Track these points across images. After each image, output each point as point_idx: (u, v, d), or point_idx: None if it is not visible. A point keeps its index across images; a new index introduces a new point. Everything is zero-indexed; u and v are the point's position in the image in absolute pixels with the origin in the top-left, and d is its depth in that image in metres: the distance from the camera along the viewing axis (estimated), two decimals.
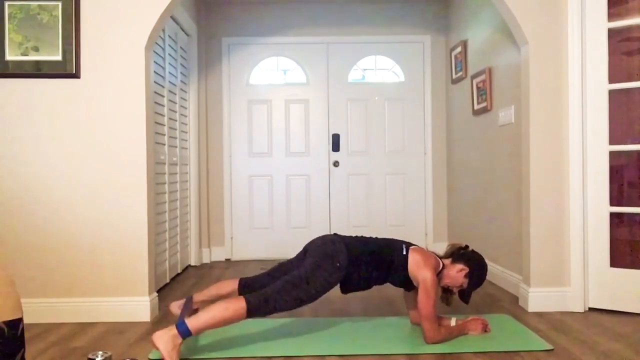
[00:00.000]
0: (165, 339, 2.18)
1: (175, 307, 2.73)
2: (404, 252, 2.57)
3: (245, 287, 2.65)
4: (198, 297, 2.70)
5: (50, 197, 2.99)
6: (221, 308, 2.26)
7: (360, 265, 2.53)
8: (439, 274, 2.58)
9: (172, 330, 2.20)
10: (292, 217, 5.15)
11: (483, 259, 2.65)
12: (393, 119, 5.18)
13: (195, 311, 2.63)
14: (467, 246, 2.68)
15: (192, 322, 2.22)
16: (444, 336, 2.49)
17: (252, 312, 2.30)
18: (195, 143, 4.78)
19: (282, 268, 2.66)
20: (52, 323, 2.94)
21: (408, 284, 2.62)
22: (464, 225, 4.67)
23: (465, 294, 2.64)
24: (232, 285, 2.67)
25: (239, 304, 2.27)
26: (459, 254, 2.64)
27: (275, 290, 2.36)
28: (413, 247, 2.62)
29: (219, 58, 5.09)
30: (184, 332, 2.20)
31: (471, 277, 2.59)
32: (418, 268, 2.51)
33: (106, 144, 3.00)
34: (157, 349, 2.18)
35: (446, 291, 2.70)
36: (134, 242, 3.00)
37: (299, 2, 5.12)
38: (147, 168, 3.03)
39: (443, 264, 2.61)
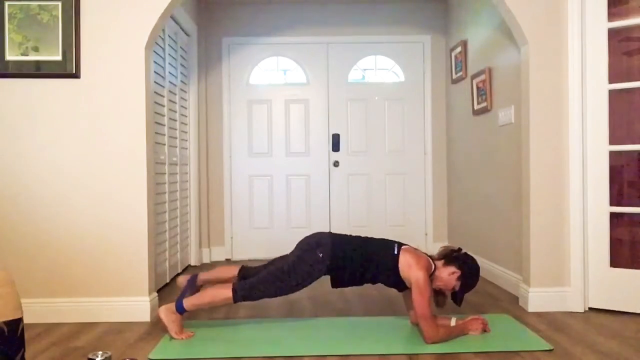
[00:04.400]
0: (165, 312, 2.62)
1: (182, 280, 2.95)
2: (395, 252, 2.59)
3: (245, 275, 2.85)
4: (203, 276, 2.93)
5: (50, 197, 2.99)
6: (211, 295, 2.61)
7: (347, 261, 2.60)
8: (431, 275, 2.58)
9: (172, 307, 2.63)
10: (292, 217, 5.15)
11: (476, 263, 2.64)
12: (393, 119, 5.18)
13: (198, 289, 2.89)
14: (460, 249, 2.69)
15: (187, 301, 2.61)
16: (443, 336, 2.49)
17: (238, 299, 2.60)
18: (195, 143, 4.78)
19: (279, 260, 2.80)
20: (52, 323, 2.94)
21: (399, 284, 2.63)
22: (464, 225, 4.67)
23: (457, 297, 2.64)
24: (233, 271, 2.89)
25: (226, 293, 2.59)
26: (452, 256, 2.63)
27: (260, 280, 2.60)
28: (405, 247, 2.64)
29: (219, 58, 5.09)
30: (180, 307, 2.61)
31: (463, 280, 2.59)
32: (409, 268, 2.52)
33: (106, 143, 3.00)
34: (161, 319, 2.62)
35: (438, 293, 2.70)
36: (134, 242, 3.00)
37: (299, 2, 5.12)
38: (147, 168, 3.03)
39: (435, 265, 2.61)
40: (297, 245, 2.72)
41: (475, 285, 2.64)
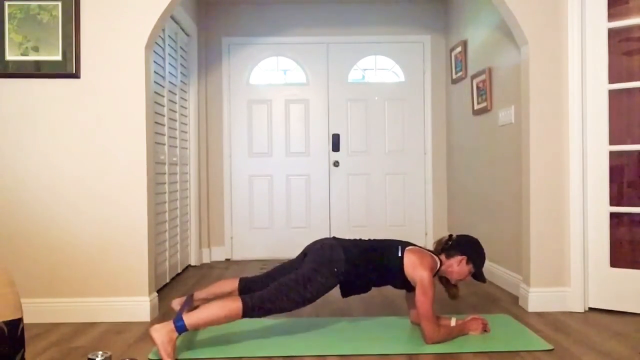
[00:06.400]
0: (162, 332, 2.24)
1: (177, 303, 2.77)
2: (399, 254, 2.58)
3: (245, 287, 2.69)
4: (199, 294, 2.74)
5: (50, 197, 2.99)
6: (218, 307, 2.31)
7: (358, 269, 2.56)
8: (437, 272, 2.59)
9: (170, 325, 2.26)
10: (292, 217, 5.15)
11: (472, 237, 2.68)
12: (393, 119, 5.18)
13: (195, 308, 2.63)
14: (451, 235, 2.71)
15: (188, 318, 2.27)
16: (443, 336, 2.49)
17: (248, 313, 2.35)
18: (195, 143, 4.78)
19: (282, 269, 2.69)
20: (52, 323, 2.94)
21: (407, 285, 2.63)
22: (464, 225, 4.67)
23: (477, 276, 2.65)
24: (232, 284, 2.71)
25: (236, 305, 2.32)
26: (449, 246, 2.65)
27: (272, 292, 2.40)
28: (409, 247, 2.63)
29: (219, 58, 5.09)
30: (180, 327, 2.26)
31: (473, 260, 2.61)
32: (414, 269, 2.52)
33: (106, 143, 3.00)
34: (154, 341, 2.22)
35: (449, 285, 2.71)
36: (134, 242, 3.00)
37: (299, 2, 5.12)
38: (147, 168, 3.03)
39: (440, 261, 2.62)
40: (307, 254, 2.60)
41: (485, 256, 2.66)
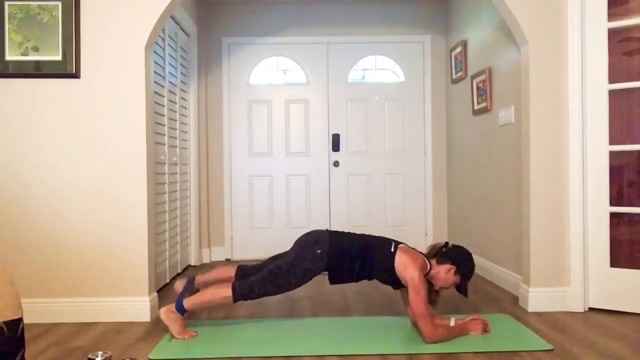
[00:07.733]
0: (165, 312, 2.64)
1: (179, 285, 2.93)
2: (392, 249, 2.61)
3: (242, 274, 2.86)
4: (200, 278, 2.93)
5: (50, 197, 2.99)
6: (211, 294, 2.63)
7: (345, 256, 2.62)
8: (427, 274, 2.60)
9: (172, 308, 2.65)
10: (292, 217, 5.15)
11: (466, 250, 2.69)
12: (393, 119, 5.18)
13: (196, 291, 2.85)
14: (447, 243, 2.73)
15: (187, 303, 2.63)
16: (443, 335, 2.49)
17: (238, 299, 2.62)
18: (195, 143, 4.78)
19: (275, 258, 2.83)
20: (52, 323, 2.94)
21: (395, 282, 2.65)
22: (464, 225, 4.67)
23: (461, 289, 2.66)
24: (230, 271, 2.90)
25: (226, 292, 2.61)
26: (442, 253, 2.66)
27: (259, 279, 2.62)
28: (402, 246, 2.66)
29: (219, 58, 5.09)
30: (179, 308, 2.63)
31: (461, 272, 2.62)
32: (405, 268, 2.54)
33: (106, 143, 3.00)
34: (162, 320, 2.63)
35: (430, 289, 2.70)
36: (134, 242, 3.00)
37: (299, 2, 5.12)
38: (147, 168, 3.03)
39: (430, 265, 2.63)
40: (295, 243, 2.73)
41: (473, 272, 2.68)
